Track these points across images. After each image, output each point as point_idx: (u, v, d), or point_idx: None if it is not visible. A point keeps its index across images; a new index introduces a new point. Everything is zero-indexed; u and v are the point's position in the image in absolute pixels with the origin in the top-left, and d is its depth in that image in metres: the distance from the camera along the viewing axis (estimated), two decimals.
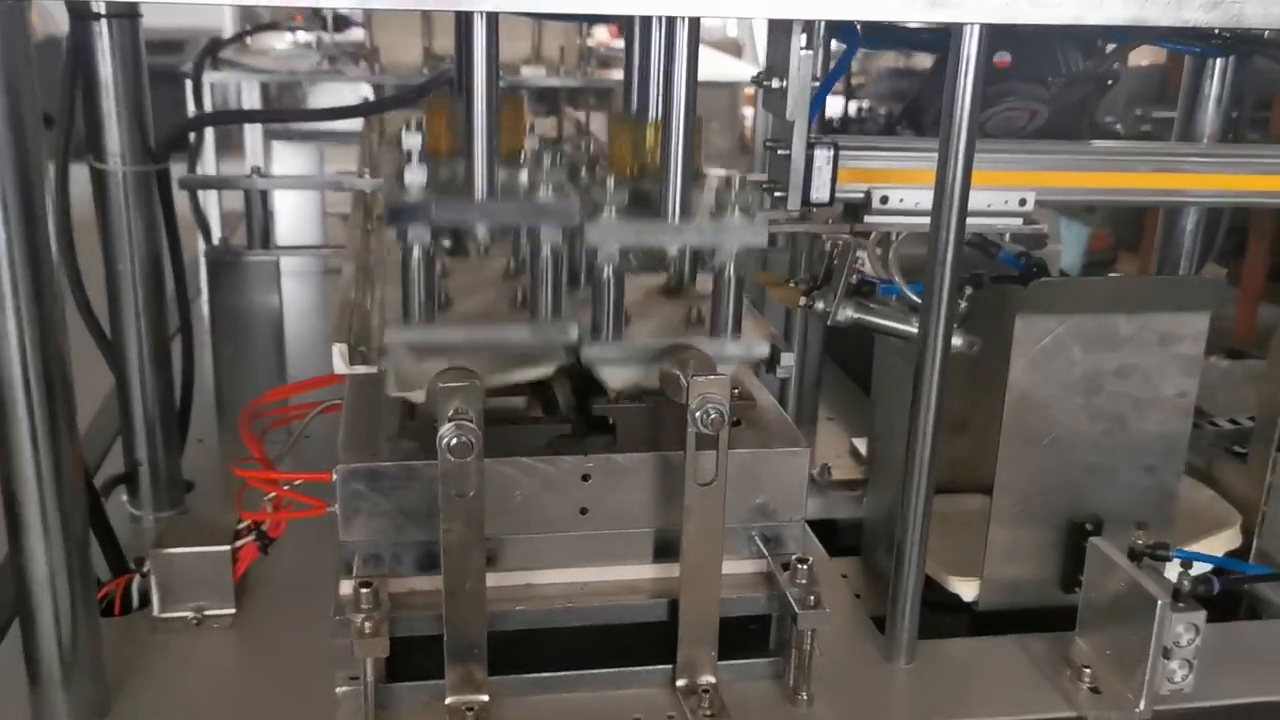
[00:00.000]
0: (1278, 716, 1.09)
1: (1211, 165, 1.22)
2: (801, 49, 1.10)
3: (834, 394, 1.80)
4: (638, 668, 1.08)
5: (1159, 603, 1.03)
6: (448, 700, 1.02)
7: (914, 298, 1.22)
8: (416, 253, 1.02)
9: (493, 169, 1.03)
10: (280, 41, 2.32)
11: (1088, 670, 1.10)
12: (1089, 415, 1.18)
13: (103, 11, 1.21)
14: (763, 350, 1.10)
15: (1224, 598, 1.25)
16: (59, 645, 0.98)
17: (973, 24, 0.96)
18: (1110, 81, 1.30)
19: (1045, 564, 1.21)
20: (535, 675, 1.06)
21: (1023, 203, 1.18)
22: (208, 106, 2.18)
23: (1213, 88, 1.42)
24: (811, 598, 1.04)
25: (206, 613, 1.16)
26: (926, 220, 1.11)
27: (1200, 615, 1.04)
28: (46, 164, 0.94)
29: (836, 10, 0.95)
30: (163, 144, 1.28)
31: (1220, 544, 1.29)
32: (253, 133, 2.43)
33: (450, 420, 0.95)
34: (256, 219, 1.63)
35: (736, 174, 1.09)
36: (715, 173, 1.17)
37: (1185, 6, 0.96)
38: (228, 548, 1.16)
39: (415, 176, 1.03)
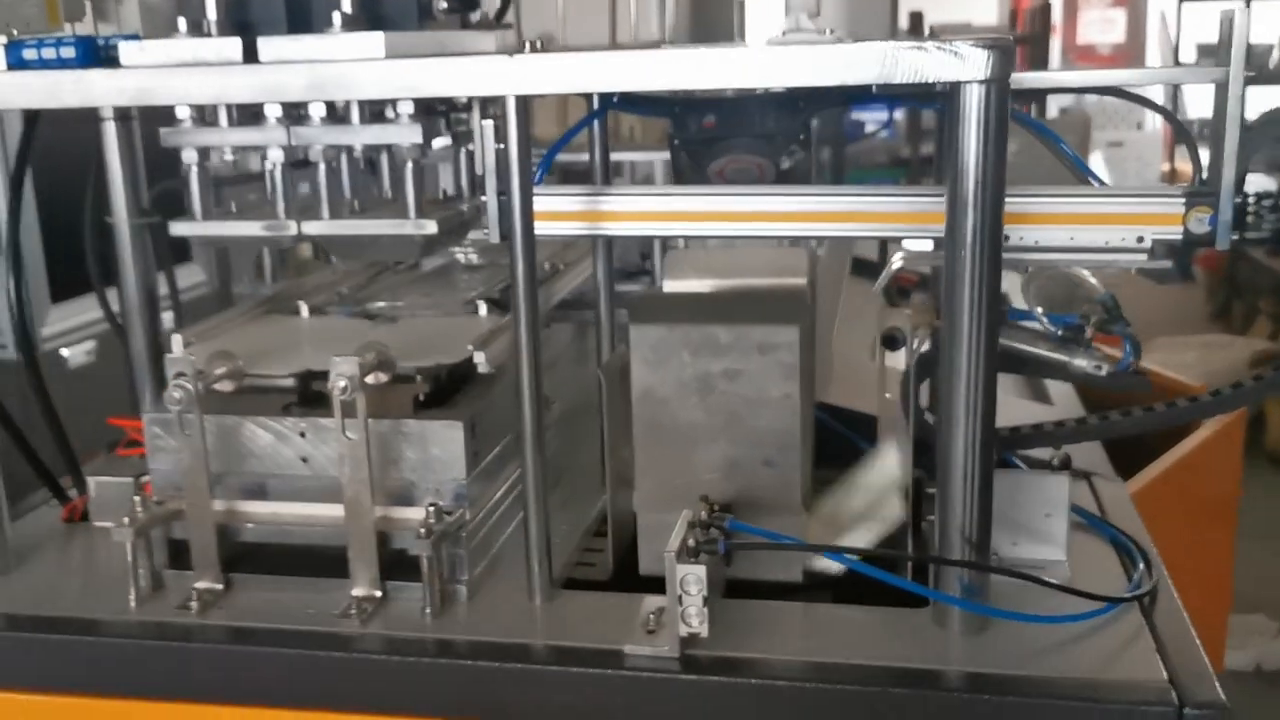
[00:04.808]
0: (762, 669, 1.27)
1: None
2: (481, 120, 1.44)
3: None
4: (330, 578, 1.45)
5: (666, 554, 1.26)
6: (195, 585, 1.45)
7: None
8: None
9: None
10: None
11: (654, 616, 1.33)
12: (706, 412, 1.41)
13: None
14: None
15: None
16: None
17: (510, 95, 1.28)
18: (802, 136, 1.51)
19: None
20: (256, 575, 1.47)
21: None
22: None
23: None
24: (432, 534, 1.37)
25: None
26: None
27: (700, 569, 1.25)
28: None
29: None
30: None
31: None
32: None
33: (173, 380, 1.40)
34: None
35: None
36: None
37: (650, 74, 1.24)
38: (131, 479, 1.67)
39: None
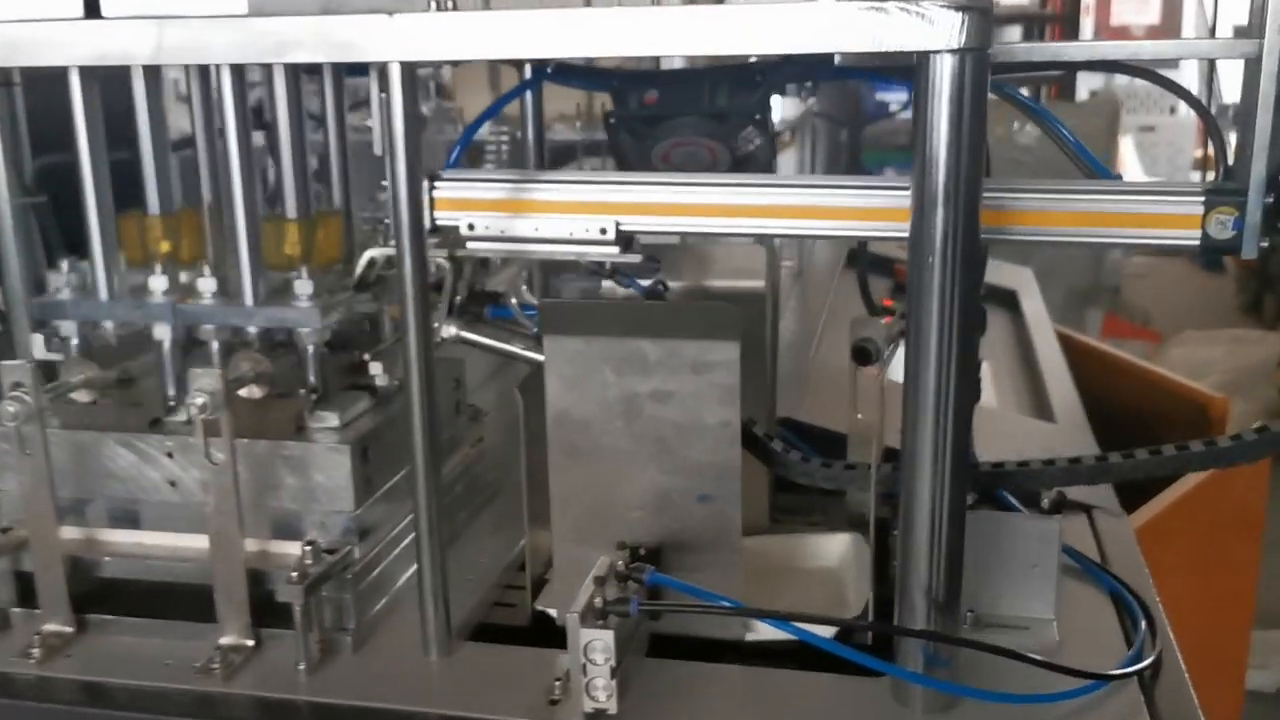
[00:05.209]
0: None
1: (818, 195, 1.19)
2: (380, 93, 1.23)
3: None
4: (203, 622, 1.24)
5: (569, 616, 1.05)
6: (43, 627, 1.26)
7: (525, 321, 1.31)
8: None
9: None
10: None
11: (559, 682, 1.12)
12: (632, 439, 1.19)
13: None
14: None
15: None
16: None
17: (393, 61, 1.07)
18: (758, 115, 1.30)
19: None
20: (114, 618, 1.26)
21: (603, 231, 1.22)
22: None
23: None
24: (306, 578, 1.16)
25: None
26: (508, 246, 1.23)
27: (607, 635, 1.04)
28: None
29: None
30: None
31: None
32: None
33: (9, 392, 1.20)
34: None
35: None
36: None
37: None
38: None
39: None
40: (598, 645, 1.05)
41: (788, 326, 2.24)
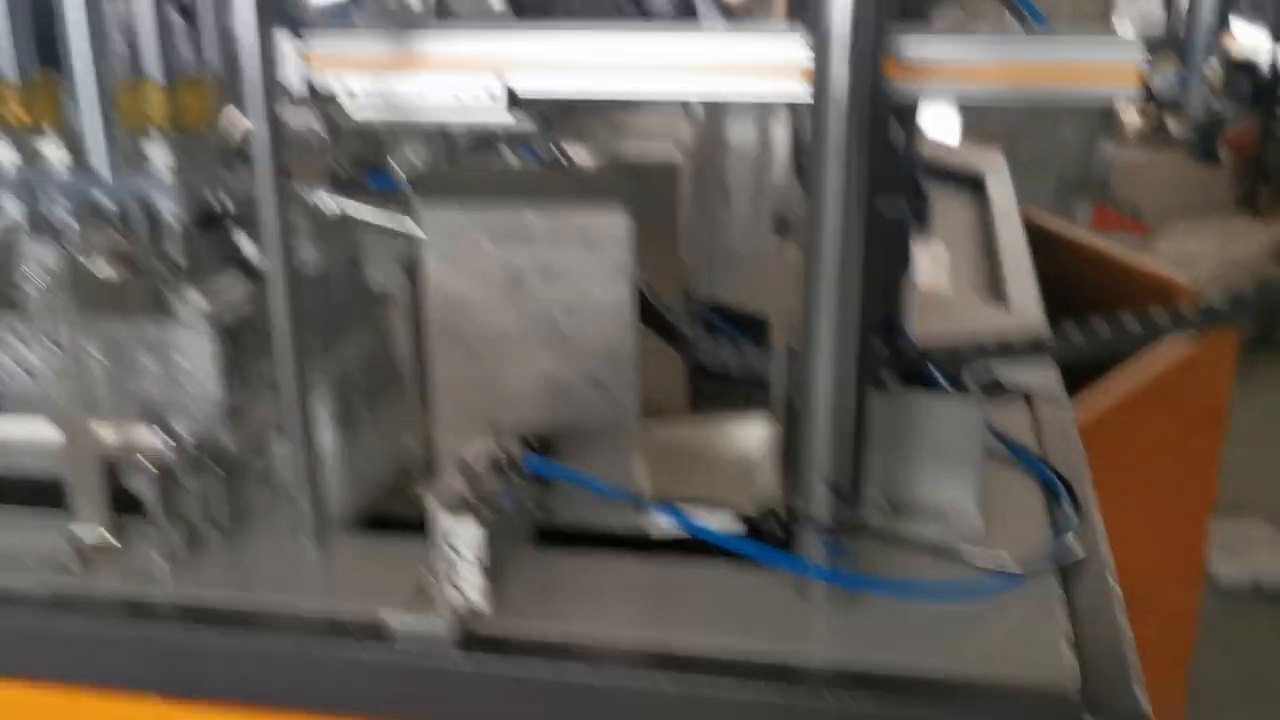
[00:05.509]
0: (557, 652, 0.98)
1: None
2: None
3: None
4: (52, 509, 1.16)
5: (430, 506, 0.97)
6: None
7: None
8: None
9: None
10: None
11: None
12: (519, 318, 1.10)
13: None
14: None
15: None
16: None
17: None
18: None
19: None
20: None
21: (493, 97, 1.11)
22: None
23: None
24: (162, 469, 1.08)
25: None
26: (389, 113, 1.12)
27: (473, 526, 0.96)
28: None
29: None
30: None
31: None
32: None
33: None
34: None
35: None
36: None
37: None
38: None
39: None
40: (463, 540, 0.96)
41: (741, 209, 2.13)
